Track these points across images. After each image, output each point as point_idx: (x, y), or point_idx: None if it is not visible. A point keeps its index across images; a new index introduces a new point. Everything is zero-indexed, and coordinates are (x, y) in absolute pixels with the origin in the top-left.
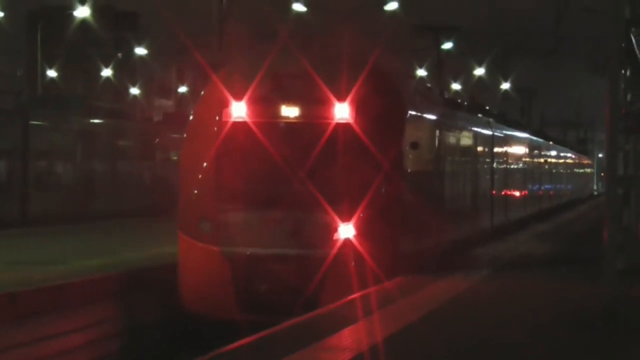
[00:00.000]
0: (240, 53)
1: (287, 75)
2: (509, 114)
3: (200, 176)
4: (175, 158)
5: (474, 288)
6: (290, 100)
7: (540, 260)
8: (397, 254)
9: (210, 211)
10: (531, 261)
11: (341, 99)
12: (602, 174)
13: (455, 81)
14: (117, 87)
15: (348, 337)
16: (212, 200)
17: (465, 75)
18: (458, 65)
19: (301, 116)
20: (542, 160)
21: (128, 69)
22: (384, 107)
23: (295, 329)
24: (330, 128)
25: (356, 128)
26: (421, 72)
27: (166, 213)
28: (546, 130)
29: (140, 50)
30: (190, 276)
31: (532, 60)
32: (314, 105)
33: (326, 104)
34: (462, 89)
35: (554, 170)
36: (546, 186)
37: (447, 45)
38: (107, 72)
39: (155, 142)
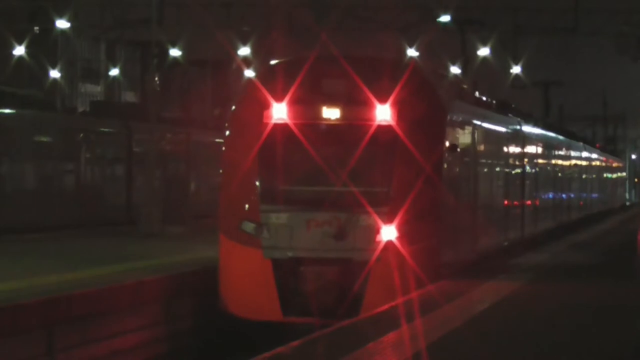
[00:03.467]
0: (281, 56)
1: (328, 77)
2: (521, 105)
3: (241, 178)
4: (104, 158)
5: (517, 292)
6: (332, 102)
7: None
8: (439, 256)
9: (253, 213)
10: (569, 267)
11: (382, 100)
12: (637, 180)
13: (454, 64)
14: (32, 68)
15: (391, 343)
16: (255, 203)
17: (467, 57)
18: (457, 44)
19: (342, 118)
20: (569, 164)
21: (47, 47)
22: (425, 109)
23: (337, 335)
24: (372, 130)
25: (397, 130)
26: (412, 52)
27: (94, 226)
28: (567, 125)
29: (62, 24)
30: (232, 278)
31: (547, 42)
32: (356, 107)
33: (367, 106)
34: (462, 72)
35: (581, 177)
36: (568, 195)
37: (445, 19)
38: (20, 50)
39: (80, 138)
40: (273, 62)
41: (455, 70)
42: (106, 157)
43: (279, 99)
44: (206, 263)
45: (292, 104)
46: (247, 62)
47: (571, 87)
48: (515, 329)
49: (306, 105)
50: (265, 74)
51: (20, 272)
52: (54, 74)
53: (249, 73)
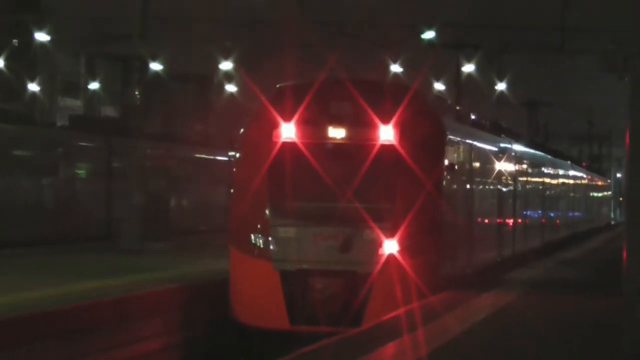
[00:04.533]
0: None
1: (334, 99)
2: (506, 123)
3: (252, 194)
4: (83, 174)
5: (514, 304)
6: (338, 123)
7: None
8: (439, 269)
9: (262, 228)
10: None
11: (386, 122)
12: (622, 199)
13: (437, 80)
14: (11, 82)
15: (393, 352)
16: (264, 218)
17: (452, 74)
18: (442, 61)
19: (348, 138)
20: (556, 183)
21: (26, 60)
22: (425, 130)
23: (341, 345)
24: (376, 149)
25: (400, 149)
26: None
27: (72, 240)
28: (552, 144)
29: (42, 36)
30: (242, 289)
31: (533, 60)
32: (360, 128)
33: (372, 127)
34: (446, 89)
35: (568, 195)
36: (556, 214)
37: (429, 35)
38: None
39: (59, 152)
40: (282, 84)
41: (439, 86)
42: (86, 172)
43: (288, 119)
44: (189, 278)
45: (300, 124)
46: (229, 77)
47: (557, 105)
48: (512, 338)
49: (313, 125)
50: (275, 96)
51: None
52: (33, 87)
53: (231, 88)
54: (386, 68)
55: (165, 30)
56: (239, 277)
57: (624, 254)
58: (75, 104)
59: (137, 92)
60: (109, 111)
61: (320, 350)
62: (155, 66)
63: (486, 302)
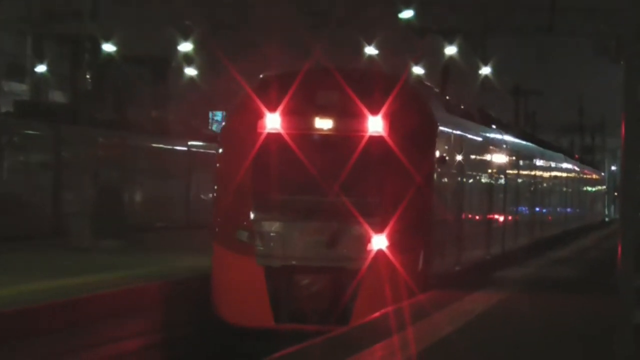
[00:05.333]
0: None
1: (321, 88)
2: (490, 109)
3: (235, 187)
4: (29, 166)
5: (505, 302)
6: (325, 113)
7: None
8: (428, 265)
9: (246, 222)
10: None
11: (374, 112)
12: (617, 194)
13: (417, 64)
14: None
15: (382, 351)
16: (248, 212)
17: (433, 57)
18: (423, 43)
19: (335, 129)
20: (549, 177)
21: None
22: (415, 122)
23: (328, 343)
24: (364, 141)
25: (389, 141)
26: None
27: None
28: (540, 134)
29: None
30: (225, 286)
31: (520, 43)
32: (348, 119)
33: (360, 118)
34: (426, 73)
35: (561, 190)
36: (548, 210)
37: (407, 15)
38: None
39: (1, 142)
40: (266, 73)
41: (418, 70)
42: (32, 163)
43: (273, 109)
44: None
45: (286, 114)
46: (188, 59)
47: (545, 92)
48: (504, 336)
49: (299, 115)
50: (259, 86)
51: None
52: None
53: (191, 71)
54: (360, 50)
55: (118, 8)
56: (221, 273)
57: (619, 254)
58: (20, 88)
59: (88, 76)
60: (57, 96)
61: (306, 350)
62: (108, 47)
63: (477, 301)
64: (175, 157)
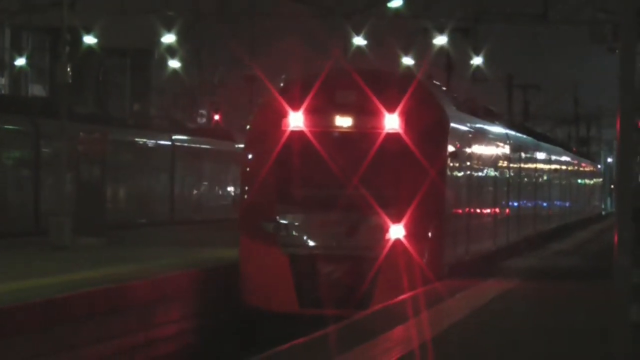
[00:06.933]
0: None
1: (341, 88)
2: (483, 101)
3: (261, 181)
4: (7, 161)
5: (516, 289)
6: (345, 112)
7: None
8: (442, 254)
9: (272, 214)
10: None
11: (391, 110)
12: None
13: (406, 54)
14: None
15: (399, 335)
16: (274, 204)
17: (421, 46)
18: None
19: (354, 126)
20: (549, 170)
21: None
22: (429, 118)
23: (348, 328)
24: (381, 137)
25: (405, 137)
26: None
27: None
28: (533, 126)
29: None
30: (252, 274)
31: (513, 32)
32: (366, 116)
33: (377, 115)
34: (415, 64)
35: (561, 184)
36: (549, 203)
37: (396, 3)
38: None
39: None
40: (288, 75)
41: (408, 61)
42: (10, 159)
43: (296, 108)
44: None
45: (308, 112)
46: (171, 51)
47: (539, 82)
48: (514, 321)
49: (321, 114)
50: (283, 86)
51: None
52: None
53: (174, 63)
54: (348, 41)
55: None
56: (249, 262)
57: (615, 249)
58: None
59: (68, 69)
60: (36, 90)
61: (327, 334)
62: (89, 39)
63: (491, 288)
64: (159, 151)
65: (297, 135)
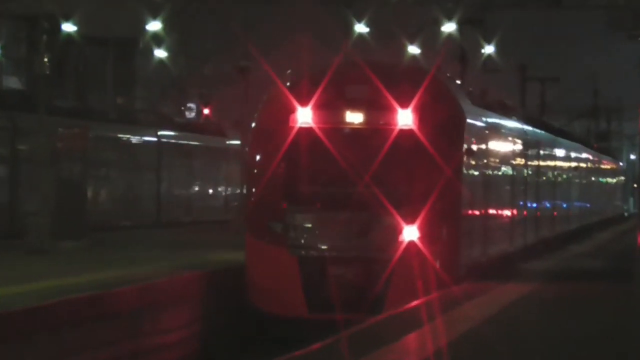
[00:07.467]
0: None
1: (352, 82)
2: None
3: (268, 180)
4: None
5: (534, 292)
6: (355, 107)
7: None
8: (459, 256)
9: (280, 214)
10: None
11: (404, 106)
12: (636, 185)
13: (412, 42)
14: None
15: (414, 342)
16: (281, 204)
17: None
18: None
19: (366, 122)
20: (567, 168)
21: None
22: (444, 114)
23: (359, 335)
24: (394, 134)
25: (419, 134)
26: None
27: None
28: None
29: None
30: (259, 276)
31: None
32: (378, 112)
33: (390, 111)
34: (422, 53)
35: (581, 183)
36: (568, 204)
37: None
38: None
39: None
40: (295, 68)
41: (414, 50)
42: None
43: (304, 103)
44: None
45: (317, 108)
46: (157, 40)
47: (555, 72)
48: (533, 327)
49: (330, 109)
50: (290, 80)
51: None
52: None
53: (160, 53)
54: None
55: None
56: (255, 264)
57: (638, 251)
58: None
59: (46, 59)
60: (12, 82)
61: (338, 340)
62: (68, 27)
63: (509, 292)
64: (144, 148)
65: (306, 131)
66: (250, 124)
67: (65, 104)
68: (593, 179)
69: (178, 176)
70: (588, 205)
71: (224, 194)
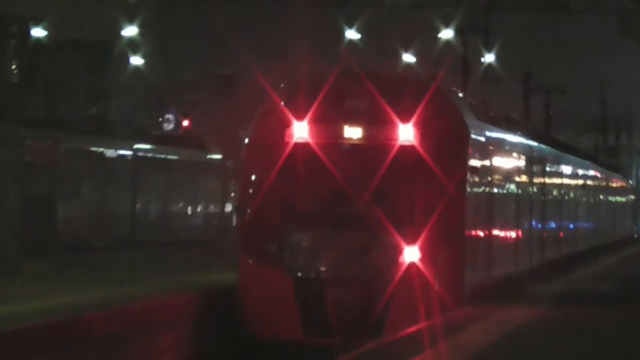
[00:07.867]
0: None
1: (350, 95)
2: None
3: (262, 199)
4: None
5: (541, 316)
6: (354, 121)
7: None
8: (462, 278)
9: (275, 234)
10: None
11: (405, 120)
12: None
13: (406, 50)
14: None
15: None
16: (277, 223)
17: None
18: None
19: (365, 137)
20: (575, 186)
21: None
22: (448, 130)
23: (360, 359)
24: (395, 150)
25: (420, 150)
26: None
27: None
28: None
29: None
30: (253, 299)
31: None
32: (378, 127)
33: (390, 126)
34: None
35: (588, 202)
36: (575, 225)
37: None
38: None
39: None
40: (291, 80)
41: (408, 57)
42: None
43: (300, 117)
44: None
45: (314, 123)
46: (134, 45)
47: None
48: (540, 354)
49: (328, 124)
50: (285, 92)
51: None
52: None
53: (136, 60)
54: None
55: None
56: (249, 286)
57: None
58: None
59: (14, 65)
60: None
61: None
62: (38, 32)
63: (514, 316)
64: (119, 162)
65: (302, 147)
66: (233, 137)
67: (34, 114)
68: (601, 197)
69: (154, 192)
70: (595, 226)
71: (203, 212)
